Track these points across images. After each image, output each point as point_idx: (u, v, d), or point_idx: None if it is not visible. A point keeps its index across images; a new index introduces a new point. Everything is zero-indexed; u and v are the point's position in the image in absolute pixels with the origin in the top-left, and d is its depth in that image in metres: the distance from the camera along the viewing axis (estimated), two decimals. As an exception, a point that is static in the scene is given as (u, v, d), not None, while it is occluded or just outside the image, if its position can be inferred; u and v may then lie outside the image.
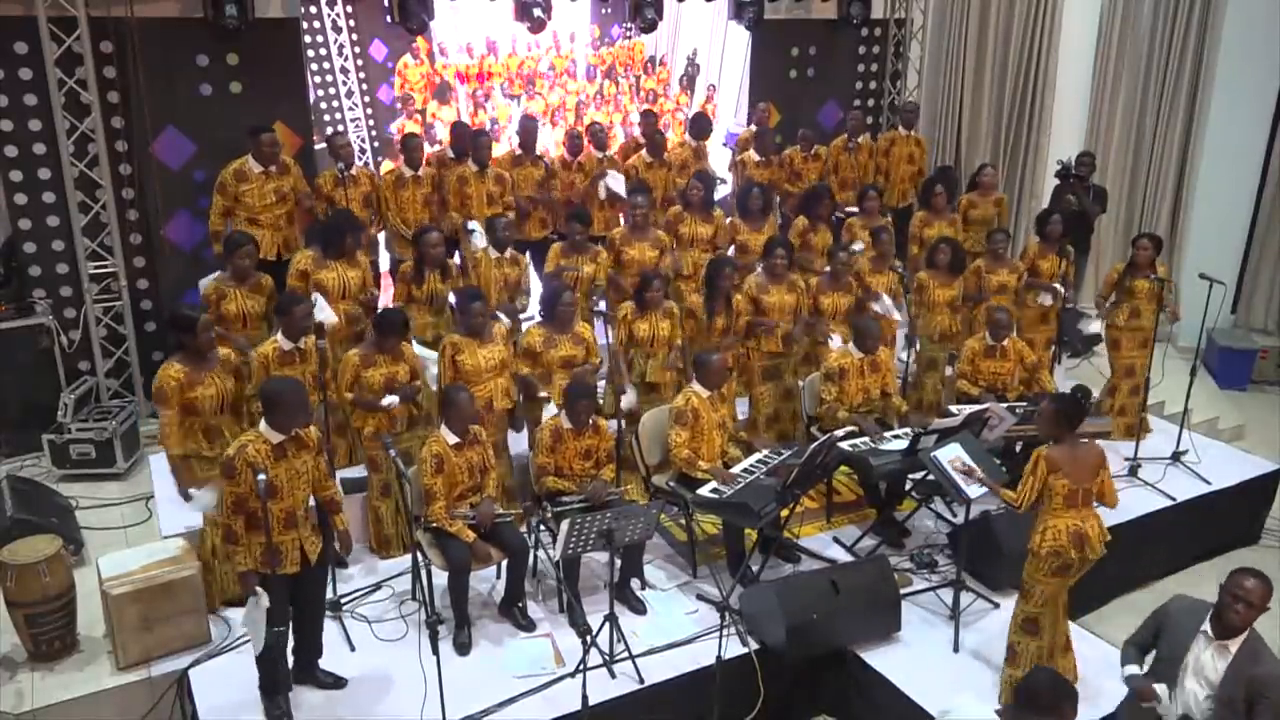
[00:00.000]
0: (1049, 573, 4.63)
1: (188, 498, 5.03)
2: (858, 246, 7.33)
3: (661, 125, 9.12)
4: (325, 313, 5.75)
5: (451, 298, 6.35)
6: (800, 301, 6.79)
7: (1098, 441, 4.81)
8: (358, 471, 6.20)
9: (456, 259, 6.83)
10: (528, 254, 7.23)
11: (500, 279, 6.53)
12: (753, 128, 8.87)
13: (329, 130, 7.76)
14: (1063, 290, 7.40)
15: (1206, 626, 3.99)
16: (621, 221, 7.43)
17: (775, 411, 6.86)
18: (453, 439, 5.09)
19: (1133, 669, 4.20)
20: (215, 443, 5.08)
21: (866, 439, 5.96)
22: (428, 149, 7.55)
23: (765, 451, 5.87)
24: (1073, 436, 4.63)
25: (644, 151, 8.13)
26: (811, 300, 6.91)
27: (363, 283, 6.26)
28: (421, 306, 6.36)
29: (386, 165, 8.08)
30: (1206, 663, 3.97)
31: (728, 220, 7.61)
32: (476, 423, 5.24)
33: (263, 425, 4.33)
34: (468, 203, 7.25)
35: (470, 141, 7.36)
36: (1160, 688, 4.03)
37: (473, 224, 7.00)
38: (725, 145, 9.40)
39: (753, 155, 8.46)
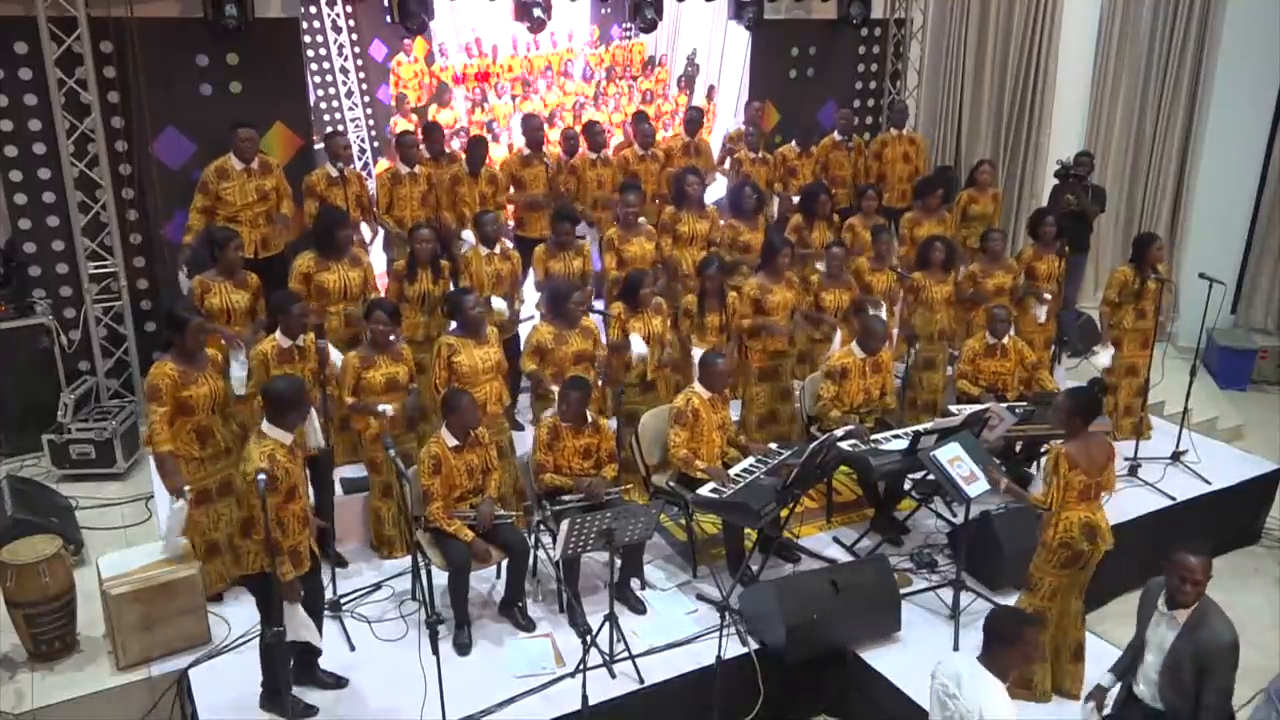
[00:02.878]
0: (1058, 565, 4.67)
1: (178, 494, 4.89)
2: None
3: (661, 125, 9.13)
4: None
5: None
6: (798, 298, 6.79)
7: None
8: (359, 471, 6.20)
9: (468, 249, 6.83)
10: (533, 251, 7.23)
11: (492, 274, 6.52)
12: (740, 126, 8.87)
13: (328, 130, 7.75)
14: (1048, 297, 7.35)
15: (1161, 604, 4.13)
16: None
17: (772, 412, 6.84)
18: (452, 441, 5.09)
19: (1104, 679, 4.43)
20: (207, 444, 5.09)
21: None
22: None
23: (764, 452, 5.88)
24: (1086, 430, 4.66)
25: (635, 145, 8.14)
26: (814, 298, 6.90)
27: (364, 283, 6.25)
28: (412, 306, 6.34)
29: (383, 164, 8.07)
30: (1163, 634, 4.13)
31: (722, 220, 7.62)
32: (478, 425, 5.24)
33: (270, 429, 4.29)
34: (459, 203, 7.26)
35: (468, 147, 7.38)
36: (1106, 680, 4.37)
37: (466, 232, 7.01)
38: (724, 144, 9.38)
39: (747, 154, 8.48)
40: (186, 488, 4.92)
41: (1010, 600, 5.17)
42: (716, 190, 8.77)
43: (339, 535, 5.79)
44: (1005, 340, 6.57)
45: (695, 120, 8.46)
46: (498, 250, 6.58)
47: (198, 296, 5.78)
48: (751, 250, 7.37)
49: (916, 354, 7.05)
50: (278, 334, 5.43)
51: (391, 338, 5.59)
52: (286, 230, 6.86)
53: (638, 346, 6.13)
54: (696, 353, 6.27)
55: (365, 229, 7.21)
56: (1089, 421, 4.69)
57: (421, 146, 7.32)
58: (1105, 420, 6.94)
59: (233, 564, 4.40)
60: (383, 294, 6.49)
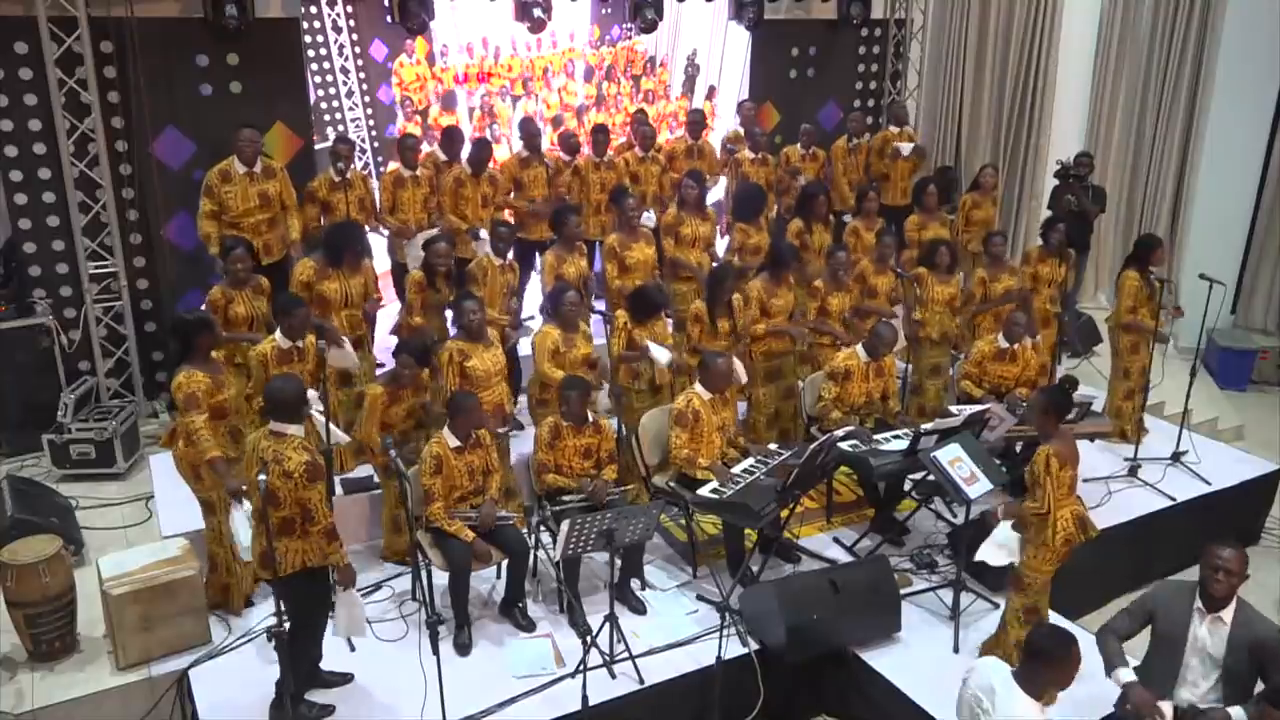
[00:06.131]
0: (1055, 560, 4.71)
1: (239, 495, 4.71)
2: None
3: (664, 126, 9.13)
4: (346, 359, 5.82)
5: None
6: (800, 300, 6.76)
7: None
8: (358, 472, 6.20)
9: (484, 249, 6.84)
10: (535, 255, 7.23)
11: (503, 285, 6.53)
12: (739, 129, 8.88)
13: (332, 132, 7.76)
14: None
15: (1199, 604, 4.07)
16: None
17: (776, 411, 6.85)
18: (454, 442, 5.09)
19: (1128, 675, 4.13)
20: (239, 443, 5.08)
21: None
22: (425, 149, 7.56)
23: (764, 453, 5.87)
24: (1058, 427, 4.71)
25: (636, 147, 8.14)
26: (820, 303, 6.88)
27: (365, 289, 6.24)
28: (433, 312, 6.34)
29: (391, 166, 8.06)
30: (1205, 638, 4.05)
31: (723, 221, 7.62)
32: (482, 427, 5.24)
33: (282, 426, 4.32)
34: (462, 205, 7.26)
35: (472, 148, 7.38)
36: (1166, 706, 4.00)
37: (482, 232, 7.00)
38: (724, 145, 9.38)
39: (748, 154, 8.47)
40: (244, 485, 4.75)
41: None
42: (717, 192, 8.76)
43: (339, 536, 5.77)
44: (1016, 346, 6.55)
45: (698, 123, 8.45)
46: (508, 260, 6.58)
47: (220, 308, 5.77)
48: (760, 253, 7.36)
49: (919, 358, 7.04)
50: (278, 335, 5.43)
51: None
52: (289, 242, 6.81)
53: (659, 354, 6.07)
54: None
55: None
56: (1062, 418, 4.76)
57: (436, 148, 7.31)
58: (1105, 421, 6.95)
59: (260, 567, 4.41)
60: (380, 297, 6.49)
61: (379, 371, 6.41)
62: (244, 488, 4.61)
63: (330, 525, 4.37)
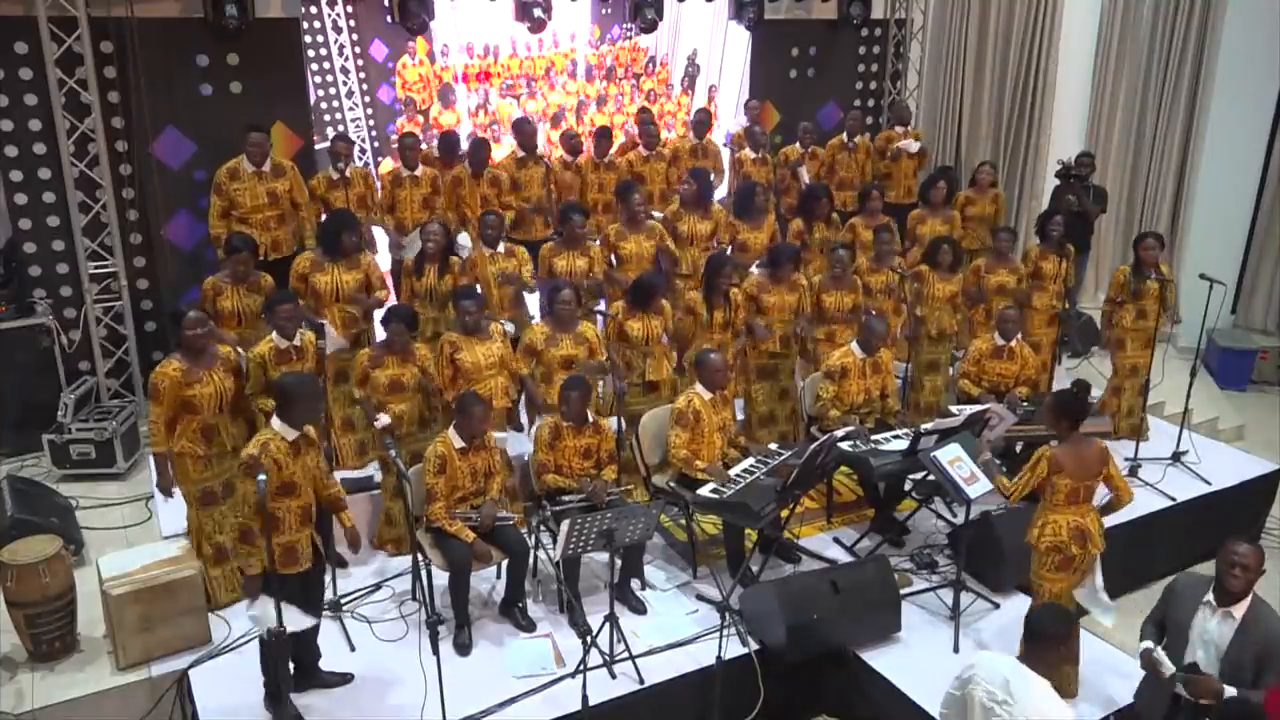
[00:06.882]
0: (1052, 569, 4.68)
1: (167, 494, 5.14)
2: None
3: (664, 125, 9.12)
4: (333, 343, 5.86)
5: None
6: (802, 301, 6.77)
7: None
8: (358, 472, 6.20)
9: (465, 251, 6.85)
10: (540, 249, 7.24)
11: (497, 274, 6.53)
12: (743, 124, 8.87)
13: (332, 132, 7.76)
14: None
15: (1209, 597, 4.07)
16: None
17: (771, 412, 6.84)
18: (459, 443, 5.09)
19: (1146, 644, 4.23)
20: (212, 442, 5.10)
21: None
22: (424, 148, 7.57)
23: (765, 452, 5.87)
24: (1077, 434, 4.65)
25: (640, 146, 8.14)
26: (814, 299, 6.88)
27: (361, 285, 6.22)
28: (422, 301, 6.36)
29: (387, 165, 8.07)
30: (1213, 630, 4.06)
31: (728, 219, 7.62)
32: (485, 432, 5.24)
33: (276, 423, 4.36)
34: (461, 204, 7.26)
35: (471, 148, 7.38)
36: (1161, 653, 4.10)
37: (463, 236, 7.00)
38: (725, 145, 9.40)
39: (749, 153, 8.47)
40: (175, 489, 5.10)
41: (1009, 602, 5.19)
42: (719, 191, 8.76)
43: (340, 535, 5.77)
44: (1013, 343, 6.55)
45: (703, 122, 8.47)
46: (501, 250, 6.58)
47: (209, 299, 5.84)
48: (750, 250, 7.37)
49: (918, 354, 7.05)
50: (274, 335, 5.43)
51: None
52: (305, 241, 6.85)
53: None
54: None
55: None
56: (1076, 424, 4.68)
57: (434, 146, 7.31)
58: (1105, 421, 6.95)
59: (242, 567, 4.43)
60: (391, 292, 6.51)
61: None
62: (171, 487, 5.08)
63: (249, 530, 4.26)
